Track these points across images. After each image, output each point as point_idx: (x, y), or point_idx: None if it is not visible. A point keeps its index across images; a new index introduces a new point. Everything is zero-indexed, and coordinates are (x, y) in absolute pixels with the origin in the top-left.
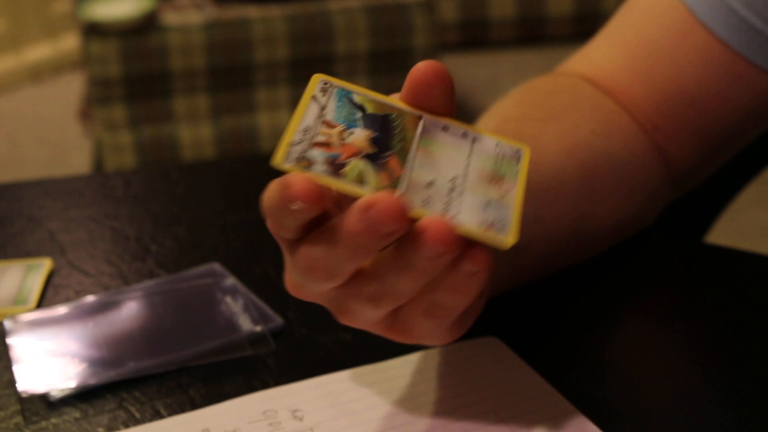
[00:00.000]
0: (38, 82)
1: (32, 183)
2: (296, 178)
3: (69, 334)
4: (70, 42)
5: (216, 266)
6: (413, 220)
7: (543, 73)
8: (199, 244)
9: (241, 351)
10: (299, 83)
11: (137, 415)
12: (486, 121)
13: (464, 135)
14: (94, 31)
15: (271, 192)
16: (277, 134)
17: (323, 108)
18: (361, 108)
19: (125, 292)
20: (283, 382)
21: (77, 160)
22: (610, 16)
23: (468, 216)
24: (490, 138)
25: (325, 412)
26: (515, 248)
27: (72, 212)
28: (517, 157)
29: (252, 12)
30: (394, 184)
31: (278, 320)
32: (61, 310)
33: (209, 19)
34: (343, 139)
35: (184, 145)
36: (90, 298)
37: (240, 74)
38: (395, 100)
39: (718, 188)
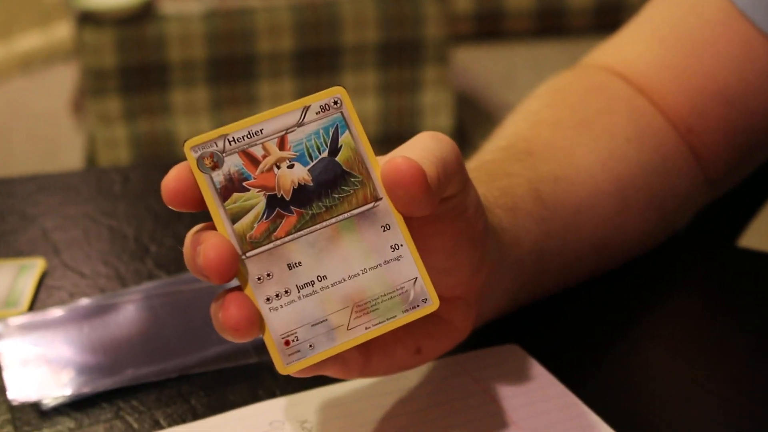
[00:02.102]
0: (28, 72)
1: (25, 179)
2: (173, 171)
3: (63, 339)
4: (62, 31)
5: None
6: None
7: (563, 68)
8: (179, 246)
9: (246, 358)
10: (304, 76)
11: (135, 425)
12: (516, 124)
13: (393, 247)
14: (88, 19)
15: (187, 246)
16: None
17: (301, 123)
18: (335, 149)
19: (123, 295)
20: (290, 392)
21: (68, 156)
22: (633, 7)
23: (274, 325)
24: (416, 269)
25: (335, 423)
26: (527, 281)
27: (67, 209)
28: (414, 305)
29: (255, 0)
30: (260, 239)
31: None
32: (55, 313)
33: (209, 8)
34: (272, 167)
35: (181, 139)
36: (85, 301)
37: (241, 66)
38: (378, 166)
39: (752, 190)
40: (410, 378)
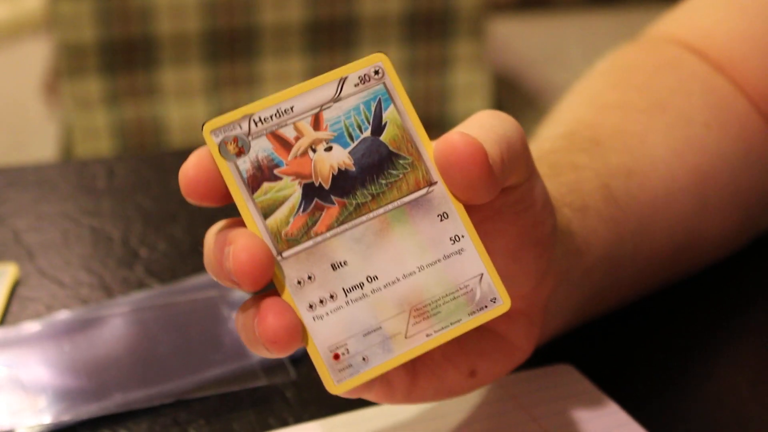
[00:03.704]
0: None
1: None
2: (192, 158)
3: (39, 359)
4: (31, 0)
5: None
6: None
7: (620, 43)
8: (199, 247)
9: (254, 380)
10: (315, 52)
11: None
12: (576, 108)
13: (454, 239)
14: None
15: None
16: None
17: (337, 98)
18: (378, 127)
19: (109, 307)
20: (305, 419)
21: (40, 146)
22: None
23: (320, 336)
24: (481, 263)
25: None
26: (594, 293)
27: (42, 207)
28: (481, 306)
29: None
30: (298, 236)
31: None
32: (30, 328)
33: None
34: (307, 150)
35: (172, 127)
36: (65, 314)
37: (242, 41)
38: (430, 145)
39: None
40: (445, 404)
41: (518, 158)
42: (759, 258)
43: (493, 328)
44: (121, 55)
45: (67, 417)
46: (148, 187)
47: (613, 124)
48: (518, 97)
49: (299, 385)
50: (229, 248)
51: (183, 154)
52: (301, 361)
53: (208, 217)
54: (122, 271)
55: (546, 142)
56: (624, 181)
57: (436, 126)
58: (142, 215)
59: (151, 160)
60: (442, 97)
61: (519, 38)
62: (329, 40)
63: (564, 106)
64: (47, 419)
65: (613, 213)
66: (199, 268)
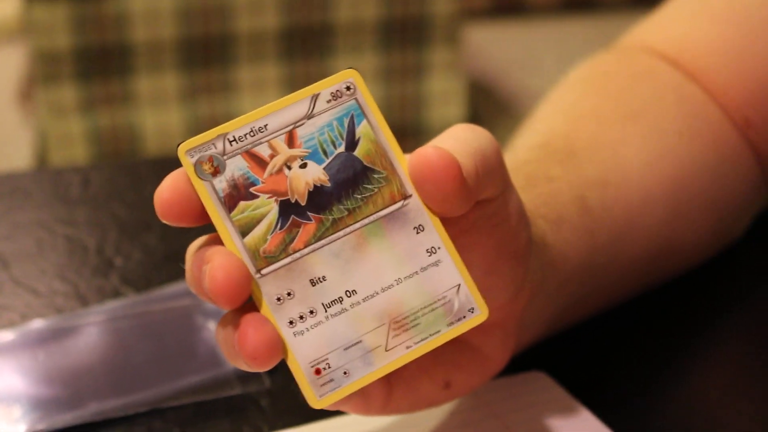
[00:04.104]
0: None
1: None
2: (167, 180)
3: (13, 368)
4: (6, 6)
5: None
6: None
7: (594, 50)
8: (174, 255)
9: (228, 389)
10: (291, 59)
11: None
12: (551, 118)
13: (430, 251)
14: None
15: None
16: None
17: (310, 115)
18: (352, 142)
19: (84, 316)
20: (279, 428)
21: (14, 153)
22: None
23: (301, 352)
24: (458, 275)
25: None
26: (570, 303)
27: (16, 216)
28: (459, 317)
29: None
30: (276, 253)
31: None
32: (4, 337)
33: None
34: (282, 167)
35: (147, 134)
36: (39, 323)
37: (218, 47)
38: (404, 159)
39: None
40: (420, 412)
41: (493, 171)
42: (730, 265)
43: (467, 341)
44: (96, 62)
45: (42, 426)
46: (123, 196)
47: (588, 134)
48: (494, 103)
49: (274, 394)
50: (206, 267)
51: (158, 163)
52: (276, 370)
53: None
54: (97, 280)
55: (521, 153)
56: (599, 193)
57: (412, 133)
58: (117, 224)
59: (126, 169)
60: (417, 103)
61: (494, 45)
62: (305, 47)
63: (539, 115)
64: (22, 429)
65: (587, 225)
66: (173, 276)
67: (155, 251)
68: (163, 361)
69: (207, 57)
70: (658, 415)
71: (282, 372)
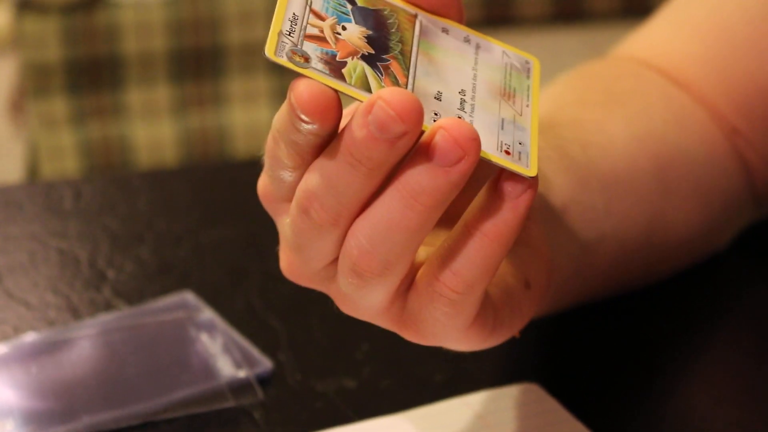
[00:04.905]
0: None
1: None
2: (301, 84)
3: (6, 381)
4: None
5: (188, 296)
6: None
7: (585, 59)
8: (167, 268)
9: (221, 402)
10: (281, 71)
11: None
12: None
13: (467, 40)
14: (28, 5)
15: (282, 110)
16: (254, 133)
17: None
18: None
19: (76, 329)
20: None
21: (5, 166)
22: None
23: (483, 138)
24: (496, 45)
25: None
26: (583, 243)
27: (8, 229)
28: (526, 69)
29: None
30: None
31: (266, 363)
32: None
33: None
34: (336, 34)
35: (139, 146)
36: (32, 336)
37: (209, 59)
38: None
39: None
40: (411, 424)
41: None
42: (718, 276)
43: (523, 240)
44: (87, 74)
45: None
46: (115, 209)
47: (570, 115)
48: None
49: (267, 406)
50: (378, 106)
51: (149, 175)
52: (269, 382)
53: (174, 238)
54: (89, 292)
55: None
56: (580, 151)
57: None
58: (109, 236)
59: (118, 182)
60: None
61: None
62: None
63: None
64: None
65: (574, 168)
66: (166, 289)
67: (148, 264)
68: (156, 374)
69: (198, 69)
70: (651, 426)
71: (275, 384)
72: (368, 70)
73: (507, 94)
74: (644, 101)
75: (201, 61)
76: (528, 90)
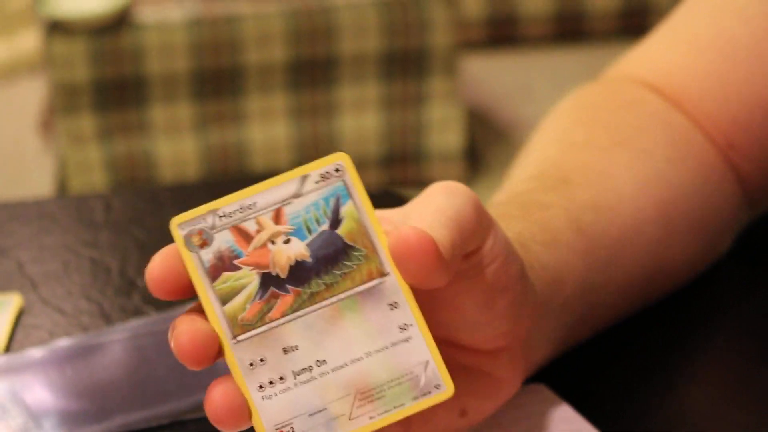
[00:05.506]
0: None
1: None
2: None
3: (43, 383)
4: (28, 41)
5: None
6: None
7: (585, 78)
8: None
9: None
10: (297, 89)
11: None
12: (545, 148)
13: (402, 327)
14: (57, 28)
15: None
16: (272, 149)
17: (299, 194)
18: (336, 221)
19: (108, 334)
20: None
21: (37, 180)
22: (661, 10)
23: (267, 415)
24: (424, 346)
25: None
26: (578, 315)
27: (44, 240)
28: (425, 392)
29: (243, 6)
30: (253, 322)
31: None
32: (34, 354)
33: (192, 15)
34: (266, 242)
35: (162, 162)
36: (66, 341)
37: (228, 79)
38: (385, 238)
39: None
40: None
41: (470, 235)
42: (719, 282)
43: (478, 368)
44: (113, 93)
45: None
46: (143, 220)
47: (580, 162)
48: (490, 130)
49: None
50: (173, 332)
51: (175, 189)
52: None
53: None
54: (120, 299)
55: (518, 184)
56: (593, 216)
57: (412, 158)
58: (138, 246)
59: (146, 194)
60: (417, 131)
61: (490, 74)
62: (311, 78)
63: (533, 145)
64: None
65: (583, 245)
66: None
67: None
68: (184, 375)
69: (218, 88)
70: (657, 426)
71: None
72: (253, 287)
73: (367, 396)
74: (646, 138)
75: (221, 80)
76: (401, 407)
